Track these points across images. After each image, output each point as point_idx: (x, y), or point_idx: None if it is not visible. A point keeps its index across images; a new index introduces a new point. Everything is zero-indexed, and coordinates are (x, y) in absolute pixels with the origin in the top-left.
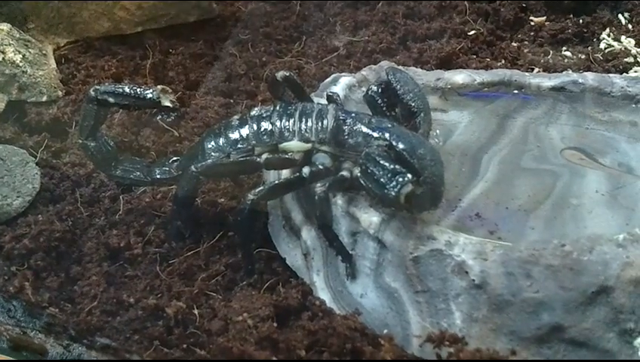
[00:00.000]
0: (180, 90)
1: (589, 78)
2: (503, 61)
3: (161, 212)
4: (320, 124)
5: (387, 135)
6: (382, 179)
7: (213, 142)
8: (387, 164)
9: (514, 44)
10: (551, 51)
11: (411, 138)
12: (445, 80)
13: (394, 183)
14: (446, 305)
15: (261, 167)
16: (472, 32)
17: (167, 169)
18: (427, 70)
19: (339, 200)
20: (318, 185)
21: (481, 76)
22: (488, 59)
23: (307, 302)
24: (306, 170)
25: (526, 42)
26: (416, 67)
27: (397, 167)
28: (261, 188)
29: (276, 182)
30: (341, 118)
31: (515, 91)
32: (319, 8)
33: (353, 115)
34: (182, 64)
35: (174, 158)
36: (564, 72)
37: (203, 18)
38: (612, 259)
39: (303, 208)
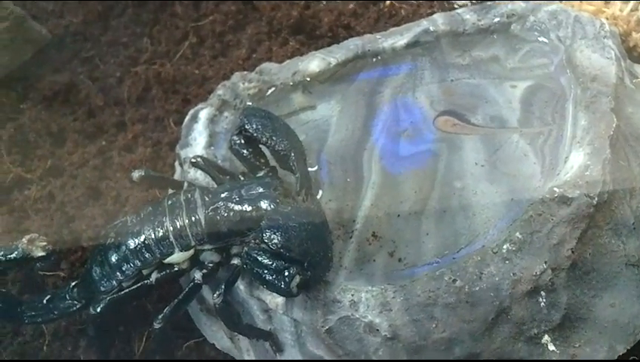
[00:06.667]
0: (49, 155)
1: (439, 22)
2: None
3: (83, 323)
4: (193, 221)
5: (260, 215)
6: (269, 278)
7: (99, 270)
8: (269, 263)
9: None
10: None
11: (282, 224)
12: (302, 72)
13: (282, 281)
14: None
15: (154, 288)
16: None
17: (69, 301)
18: (280, 52)
19: (241, 286)
20: (214, 294)
21: (334, 56)
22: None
23: None
24: (197, 276)
25: None
26: (270, 41)
27: (279, 263)
28: (164, 312)
29: (175, 301)
30: (211, 207)
31: (374, 60)
32: None
33: (222, 195)
34: (39, 118)
35: (73, 284)
36: (414, 23)
37: (39, 48)
38: (501, 281)
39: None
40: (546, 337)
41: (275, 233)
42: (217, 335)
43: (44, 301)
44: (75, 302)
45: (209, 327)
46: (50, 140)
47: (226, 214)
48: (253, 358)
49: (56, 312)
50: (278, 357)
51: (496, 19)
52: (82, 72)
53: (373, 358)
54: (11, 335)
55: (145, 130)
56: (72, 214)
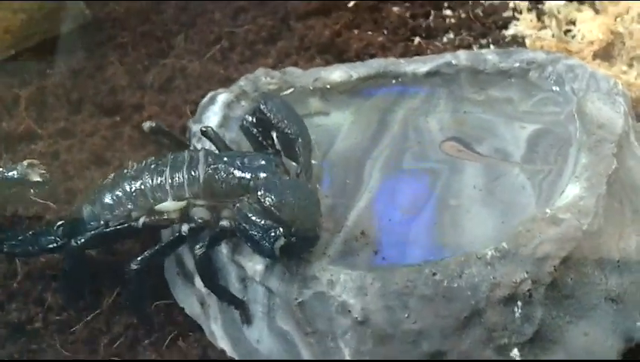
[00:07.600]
0: (64, 118)
1: (462, 57)
2: (385, 32)
3: (59, 270)
4: (192, 176)
5: (258, 183)
6: (255, 235)
7: (90, 208)
8: (258, 220)
9: (395, 8)
10: (432, 11)
11: (279, 187)
12: (323, 80)
13: (266, 239)
14: (335, 343)
15: (141, 232)
16: (352, 3)
17: (52, 237)
18: (306, 66)
19: (223, 249)
20: (197, 246)
21: (357, 70)
22: (370, 33)
23: (207, 356)
24: (184, 228)
25: (407, 4)
26: (298, 55)
27: (267, 222)
28: (143, 255)
29: (157, 247)
30: (212, 166)
31: (394, 81)
32: None
33: (225, 159)
34: (62, 84)
35: (60, 223)
36: (438, 55)
37: (77, 25)
38: (480, 282)
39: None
40: (515, 351)
41: (270, 192)
42: (188, 300)
43: (28, 234)
44: (58, 239)
45: (182, 291)
46: (68, 106)
47: (224, 175)
48: (221, 327)
49: (36, 247)
50: (246, 329)
51: (517, 65)
52: (113, 55)
53: (340, 341)
54: None
55: (161, 113)
56: (72, 174)
